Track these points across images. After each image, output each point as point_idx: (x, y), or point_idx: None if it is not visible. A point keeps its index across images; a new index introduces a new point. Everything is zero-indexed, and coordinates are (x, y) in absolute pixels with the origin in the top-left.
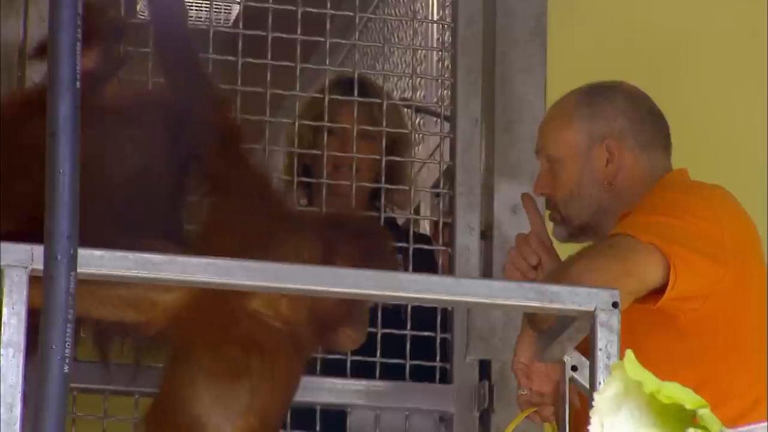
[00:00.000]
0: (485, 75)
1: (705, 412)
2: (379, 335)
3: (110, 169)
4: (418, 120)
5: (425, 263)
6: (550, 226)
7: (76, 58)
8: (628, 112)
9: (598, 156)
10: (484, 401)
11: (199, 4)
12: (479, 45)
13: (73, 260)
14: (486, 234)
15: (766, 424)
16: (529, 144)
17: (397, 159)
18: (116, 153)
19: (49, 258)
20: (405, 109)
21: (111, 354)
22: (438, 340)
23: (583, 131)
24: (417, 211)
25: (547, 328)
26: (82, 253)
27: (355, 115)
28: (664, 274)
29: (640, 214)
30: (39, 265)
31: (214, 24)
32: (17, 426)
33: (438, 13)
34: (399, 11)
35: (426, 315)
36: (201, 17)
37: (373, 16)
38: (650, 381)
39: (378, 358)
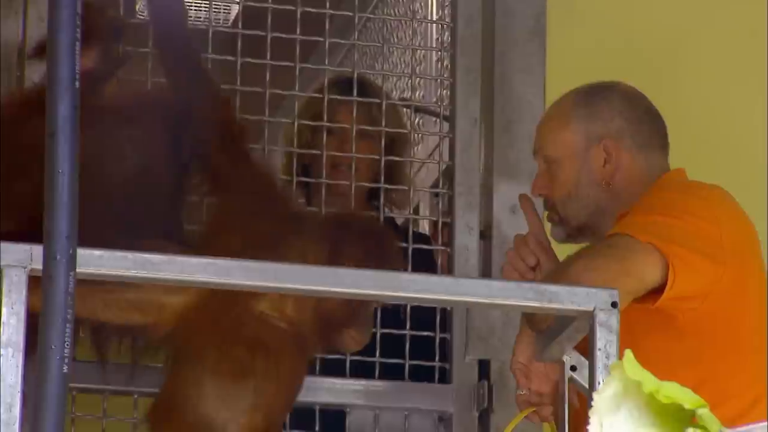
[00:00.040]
0: (484, 75)
1: (704, 412)
2: (378, 335)
3: (109, 169)
4: (417, 120)
5: (424, 263)
6: (548, 227)
7: (75, 58)
8: (625, 112)
9: (595, 156)
10: (483, 401)
11: (198, 4)
12: (478, 45)
13: (72, 260)
14: (485, 234)
15: (765, 423)
16: (528, 144)
17: (396, 159)
18: (115, 153)
19: (48, 258)
20: (404, 109)
21: (109, 354)
22: (437, 340)
23: (580, 132)
24: (416, 210)
25: (546, 328)
26: (81, 253)
27: (354, 114)
28: (662, 273)
29: (638, 214)
30: (38, 265)
31: (213, 24)
32: (16, 426)
33: (437, 13)
34: (398, 11)
35: (425, 315)
36: (200, 17)
37: (372, 16)
38: (649, 381)
39: (377, 358)
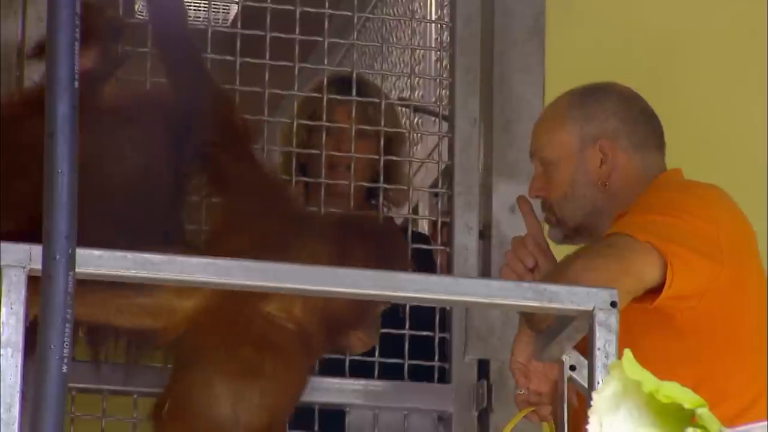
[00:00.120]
0: (483, 74)
1: (704, 412)
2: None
3: (109, 169)
4: (416, 120)
5: (424, 263)
6: (546, 228)
7: (74, 58)
8: (621, 112)
9: (591, 157)
10: (482, 401)
11: (198, 4)
12: (477, 44)
13: (71, 260)
14: (484, 233)
15: (764, 423)
16: (527, 143)
17: (394, 158)
18: (115, 153)
19: (47, 258)
20: (403, 109)
21: (105, 354)
22: (436, 340)
23: (575, 133)
24: (415, 210)
25: (545, 328)
26: (81, 252)
27: (353, 114)
28: (661, 273)
29: (636, 214)
30: (37, 265)
31: (213, 24)
32: (16, 426)
33: (436, 12)
34: (397, 11)
35: (424, 314)
36: (199, 17)
37: (371, 15)
38: (649, 380)
39: (376, 358)
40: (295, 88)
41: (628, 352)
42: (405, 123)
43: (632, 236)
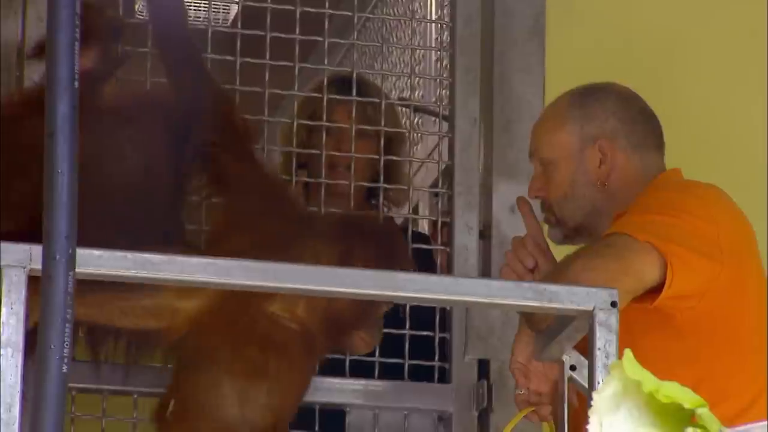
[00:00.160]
0: (484, 74)
1: (704, 412)
2: None
3: (109, 169)
4: (416, 119)
5: (424, 263)
6: (546, 228)
7: (74, 58)
8: (619, 112)
9: (590, 157)
10: (482, 401)
11: (198, 4)
12: (477, 44)
13: (71, 260)
14: (484, 233)
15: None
16: (527, 143)
17: (394, 158)
18: (115, 153)
19: (47, 258)
20: (403, 109)
21: (105, 354)
22: (437, 340)
23: (575, 133)
24: (416, 210)
25: (545, 328)
26: (81, 252)
27: (354, 114)
28: (661, 272)
29: (635, 214)
30: (38, 265)
31: (213, 24)
32: (16, 426)
33: (436, 12)
34: (397, 11)
35: (425, 314)
36: (199, 17)
37: (371, 15)
38: (649, 380)
39: (377, 358)
40: (296, 88)
41: (628, 352)
42: (405, 123)
43: (632, 236)
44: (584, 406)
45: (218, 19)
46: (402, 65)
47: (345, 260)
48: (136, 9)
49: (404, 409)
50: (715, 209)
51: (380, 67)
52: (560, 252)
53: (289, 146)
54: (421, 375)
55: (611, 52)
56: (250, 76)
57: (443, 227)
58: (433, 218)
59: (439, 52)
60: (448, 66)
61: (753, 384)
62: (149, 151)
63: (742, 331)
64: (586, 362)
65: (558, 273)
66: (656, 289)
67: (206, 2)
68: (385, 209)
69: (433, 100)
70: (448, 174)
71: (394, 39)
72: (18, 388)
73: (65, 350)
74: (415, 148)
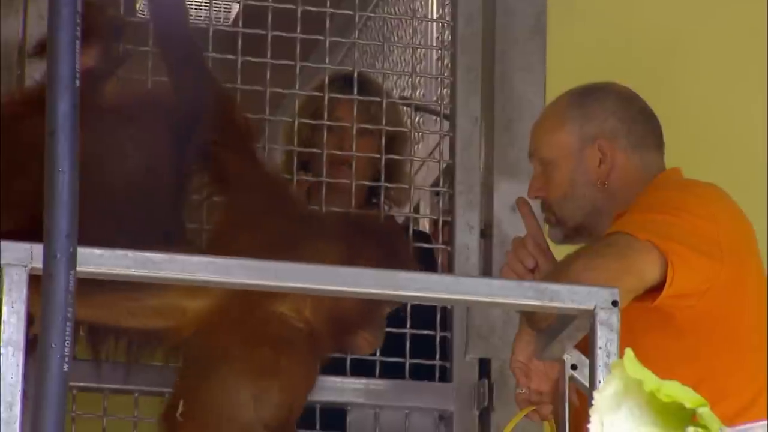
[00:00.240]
0: (485, 73)
1: (705, 411)
2: None
3: (110, 168)
4: (417, 118)
5: (425, 261)
6: (546, 228)
7: (75, 57)
8: (619, 112)
9: (590, 156)
10: (483, 400)
11: (199, 3)
12: (479, 43)
13: (72, 259)
14: (485, 232)
15: (764, 422)
16: (528, 142)
17: (396, 157)
18: (116, 152)
19: (48, 256)
20: (404, 108)
21: (106, 352)
22: (438, 339)
23: (574, 133)
24: (417, 209)
25: (545, 327)
26: (82, 251)
27: (355, 113)
28: (661, 271)
29: (635, 213)
30: (38, 264)
31: (214, 22)
32: (17, 424)
33: (437, 11)
34: (398, 10)
35: (426, 313)
36: (201, 16)
37: (372, 14)
38: (650, 379)
39: (378, 357)
40: (297, 87)
41: (629, 351)
42: (406, 122)
43: (632, 235)
44: (585, 405)
45: (219, 17)
46: (403, 64)
47: (350, 260)
48: (137, 8)
49: (405, 408)
50: (715, 208)
51: (381, 66)
52: (560, 252)
53: (291, 145)
54: (422, 374)
55: (612, 51)
56: (251, 75)
57: (444, 226)
58: (434, 217)
59: (440, 51)
60: (449, 65)
61: (753, 383)
62: (150, 150)
63: (742, 330)
64: (587, 361)
65: (559, 273)
66: (657, 288)
67: (207, 1)
68: (387, 208)
69: (435, 99)
70: (449, 173)
71: (396, 38)
72: (19, 386)
73: (66, 349)
74: (416, 147)
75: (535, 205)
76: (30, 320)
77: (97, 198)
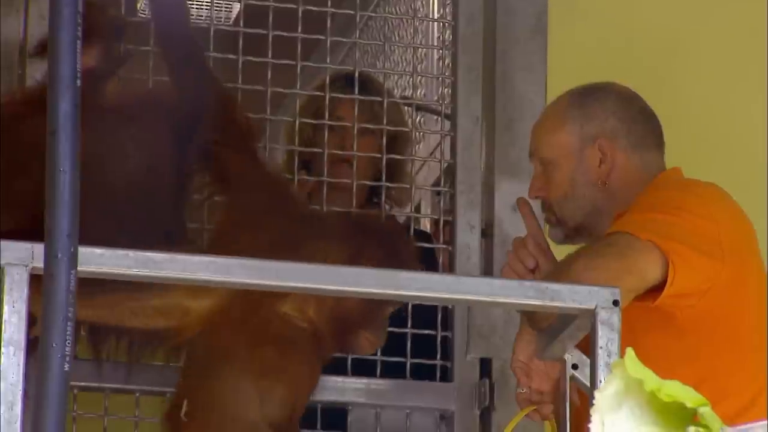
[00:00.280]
0: (486, 73)
1: (706, 410)
2: None
3: (111, 167)
4: (418, 118)
5: (426, 261)
6: (546, 229)
7: (76, 56)
8: (619, 112)
9: (590, 156)
10: (484, 399)
11: (200, 3)
12: (480, 43)
13: (73, 258)
14: (487, 232)
15: (765, 422)
16: (529, 142)
17: (397, 157)
18: (117, 151)
19: (49, 256)
20: (405, 107)
21: (107, 352)
22: (439, 339)
23: (574, 132)
24: (418, 209)
25: (546, 327)
26: (83, 251)
27: (356, 112)
28: (662, 271)
29: (636, 213)
30: (39, 263)
31: (215, 22)
32: (18, 424)
33: (438, 11)
34: (400, 9)
35: (427, 313)
36: (202, 15)
37: (373, 14)
38: (651, 379)
39: (379, 356)
40: (298, 86)
41: (630, 351)
42: (408, 122)
43: (633, 235)
44: (586, 404)
45: (220, 17)
46: (404, 64)
47: (352, 260)
48: (138, 7)
49: (406, 408)
50: (716, 208)
51: (382, 65)
52: (561, 252)
53: (292, 145)
54: (423, 374)
55: (613, 51)
56: (252, 75)
57: (445, 226)
58: (435, 217)
59: (441, 51)
60: (451, 64)
61: (753, 382)
62: (151, 150)
63: (743, 330)
64: (588, 361)
65: (559, 272)
66: (657, 288)
67: (208, 1)
68: (388, 207)
69: (436, 98)
70: (450, 172)
71: (397, 37)
72: (20, 386)
73: (67, 348)
74: (417, 146)
75: (536, 205)
76: (32, 321)
77: (98, 198)
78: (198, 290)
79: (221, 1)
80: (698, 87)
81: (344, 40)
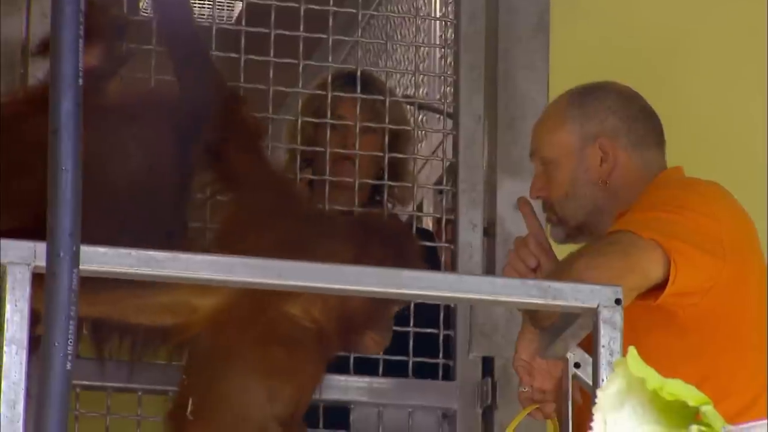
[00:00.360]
0: (488, 72)
1: (708, 409)
2: None
3: (113, 166)
4: (420, 117)
5: (428, 260)
6: (548, 228)
7: (78, 55)
8: (620, 111)
9: (591, 155)
10: (487, 398)
11: (202, 2)
12: (482, 42)
13: (75, 257)
14: (489, 231)
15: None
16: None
17: (399, 155)
18: (119, 151)
19: (51, 255)
20: (407, 106)
21: (110, 351)
22: (441, 337)
23: (575, 132)
24: (420, 207)
25: (548, 325)
26: (85, 250)
27: (358, 111)
28: (664, 269)
29: (638, 211)
30: (42, 262)
31: (217, 21)
32: (20, 423)
33: (440, 10)
34: (401, 8)
35: (429, 312)
36: (204, 14)
37: (375, 13)
38: (653, 378)
39: (381, 355)
40: (300, 85)
41: (632, 350)
42: (410, 120)
43: (635, 233)
44: (588, 403)
45: (222, 16)
46: (406, 62)
47: (358, 260)
48: (140, 6)
49: (408, 407)
50: (717, 206)
51: (384, 64)
52: (562, 251)
53: (294, 143)
54: (425, 372)
55: (615, 50)
56: (254, 74)
57: (447, 224)
58: (438, 215)
59: (443, 50)
60: (453, 63)
61: (754, 381)
62: (153, 149)
63: (745, 328)
64: (591, 359)
65: (561, 271)
66: (660, 287)
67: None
68: (390, 206)
69: (438, 97)
70: (452, 171)
71: (399, 36)
72: (22, 385)
73: (69, 347)
74: (419, 145)
75: (537, 204)
76: (37, 319)
77: (100, 196)
78: (205, 288)
79: (223, 0)
80: (699, 86)
81: (346, 38)
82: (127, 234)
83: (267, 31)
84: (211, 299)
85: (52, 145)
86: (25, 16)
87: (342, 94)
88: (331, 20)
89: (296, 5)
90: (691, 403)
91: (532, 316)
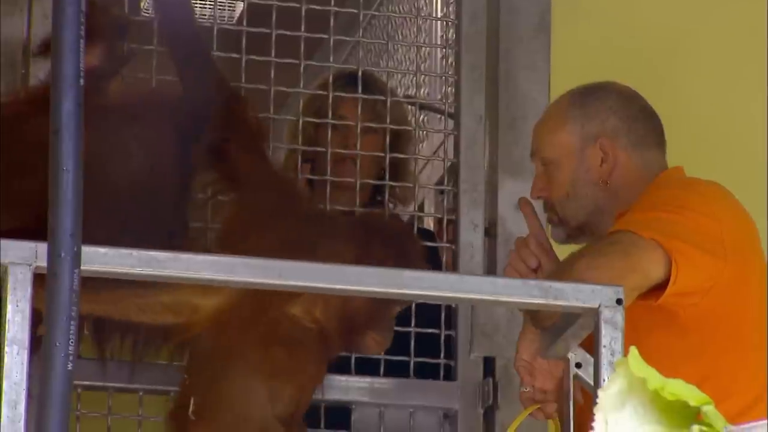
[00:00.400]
0: (489, 72)
1: (709, 409)
2: None
3: (114, 167)
4: (422, 117)
5: (429, 260)
6: (549, 228)
7: (79, 56)
8: (620, 111)
9: (592, 156)
10: (488, 398)
11: (203, 2)
12: (483, 42)
13: (76, 257)
14: (490, 231)
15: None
16: None
17: (400, 156)
18: (120, 151)
19: (52, 255)
20: (409, 106)
21: (111, 351)
22: (442, 337)
23: (576, 132)
24: (421, 207)
25: (550, 325)
26: (86, 250)
27: (359, 111)
28: (665, 269)
29: (638, 211)
30: (43, 263)
31: (218, 21)
32: (21, 423)
33: (442, 10)
34: (403, 8)
35: (430, 312)
36: (205, 14)
37: (376, 13)
38: (654, 378)
39: (382, 355)
40: (301, 85)
41: (633, 350)
42: (411, 120)
43: (636, 233)
44: (589, 403)
45: (224, 16)
46: (407, 63)
47: (360, 261)
48: (141, 6)
49: (410, 407)
50: (718, 206)
51: (386, 64)
52: (563, 252)
53: (295, 143)
54: (426, 372)
55: (616, 50)
56: (255, 74)
57: (449, 224)
58: (439, 215)
59: (444, 50)
60: (454, 63)
61: (755, 382)
62: (154, 149)
63: (746, 328)
64: (592, 360)
65: (562, 272)
66: (660, 286)
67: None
68: (391, 206)
69: (439, 97)
70: (453, 171)
71: (400, 36)
72: (23, 385)
73: (70, 348)
74: (420, 145)
75: (537, 204)
76: (38, 319)
77: (101, 197)
78: (206, 288)
79: (224, 0)
80: (699, 86)
81: (347, 39)
82: (129, 234)
83: (268, 31)
84: (213, 299)
85: (53, 145)
86: (26, 17)
87: (343, 95)
88: (332, 20)
89: (297, 5)
90: (693, 403)
91: (534, 316)
